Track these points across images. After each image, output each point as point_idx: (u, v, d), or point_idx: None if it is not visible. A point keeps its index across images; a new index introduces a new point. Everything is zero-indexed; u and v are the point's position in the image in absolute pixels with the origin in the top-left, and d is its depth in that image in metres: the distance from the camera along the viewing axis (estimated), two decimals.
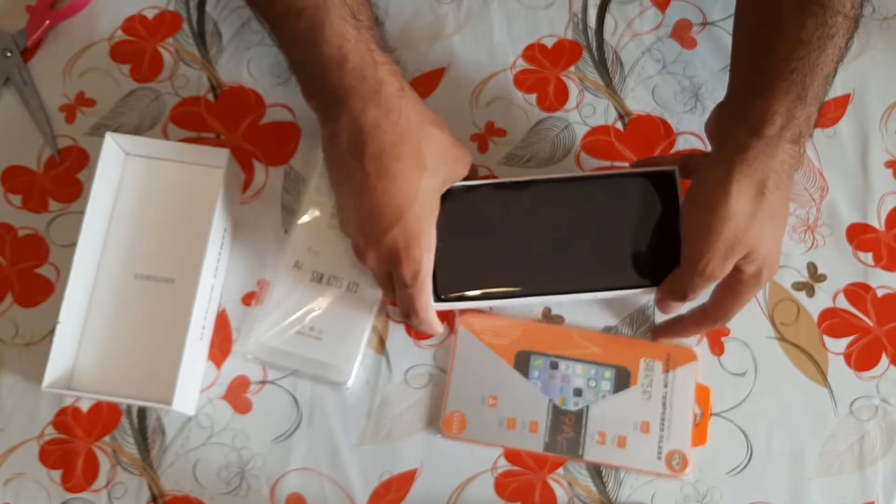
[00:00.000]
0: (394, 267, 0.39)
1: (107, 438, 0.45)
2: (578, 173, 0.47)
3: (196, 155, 0.47)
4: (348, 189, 0.39)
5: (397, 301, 0.42)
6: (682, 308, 0.44)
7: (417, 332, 0.47)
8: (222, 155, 0.45)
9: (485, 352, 0.46)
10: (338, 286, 0.46)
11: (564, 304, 0.47)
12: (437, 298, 0.43)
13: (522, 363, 0.46)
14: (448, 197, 0.43)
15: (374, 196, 0.38)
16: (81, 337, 0.46)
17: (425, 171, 0.39)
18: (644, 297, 0.46)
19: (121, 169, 0.48)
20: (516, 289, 0.43)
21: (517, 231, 0.44)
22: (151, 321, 0.46)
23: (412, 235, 0.39)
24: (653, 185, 0.44)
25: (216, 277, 0.46)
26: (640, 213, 0.44)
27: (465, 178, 0.44)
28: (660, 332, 0.47)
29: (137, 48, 0.52)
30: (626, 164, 0.49)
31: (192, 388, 0.45)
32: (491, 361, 0.46)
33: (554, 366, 0.46)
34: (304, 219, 0.47)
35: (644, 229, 0.44)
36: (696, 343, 0.48)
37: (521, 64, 0.52)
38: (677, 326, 0.46)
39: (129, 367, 0.45)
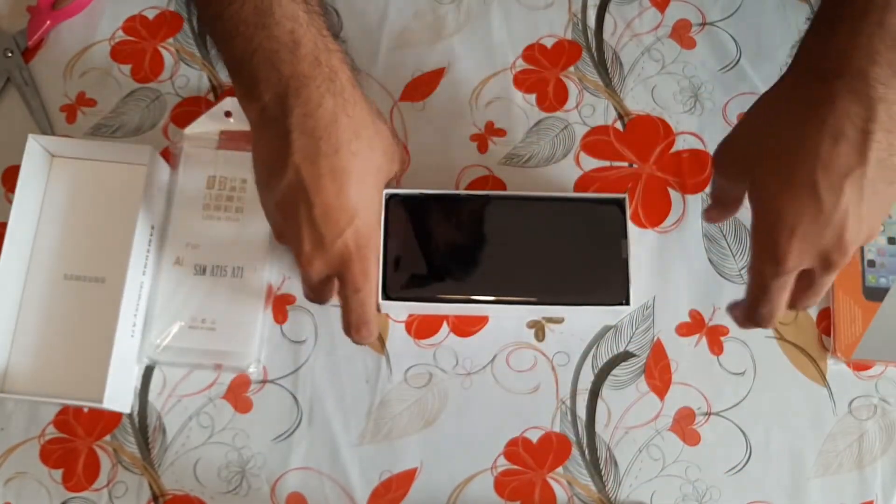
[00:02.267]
0: (344, 271, 0.36)
1: (108, 438, 0.45)
2: (529, 193, 0.46)
3: (120, 153, 0.47)
4: (295, 195, 0.35)
5: (344, 309, 0.38)
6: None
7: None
8: (145, 152, 0.46)
9: None
10: (222, 275, 0.46)
11: (504, 313, 0.46)
12: (385, 297, 0.43)
13: None
14: (403, 202, 0.44)
15: (328, 197, 0.34)
16: (13, 339, 0.45)
17: (379, 171, 0.37)
18: (587, 314, 0.46)
19: (47, 171, 0.48)
20: (459, 294, 0.44)
21: (466, 240, 0.44)
22: (83, 321, 0.46)
23: (365, 237, 0.36)
24: (603, 210, 0.45)
25: (145, 275, 0.46)
26: (587, 233, 0.44)
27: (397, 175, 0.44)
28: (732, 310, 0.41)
29: (138, 48, 0.52)
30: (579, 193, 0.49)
31: (126, 385, 0.45)
32: None
33: None
34: (178, 215, 0.47)
35: (589, 249, 0.44)
36: (695, 345, 0.48)
37: (521, 64, 0.52)
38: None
39: (61, 367, 0.45)
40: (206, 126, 0.48)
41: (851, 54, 0.33)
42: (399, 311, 0.46)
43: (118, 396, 0.44)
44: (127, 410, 0.45)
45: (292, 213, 0.36)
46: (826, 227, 0.33)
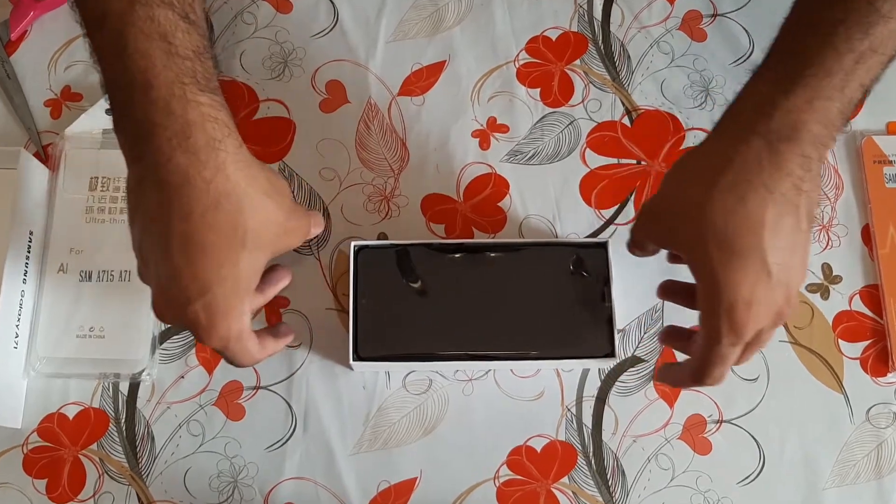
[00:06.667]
0: (198, 336, 0.35)
1: (94, 446, 0.44)
2: (507, 241, 0.46)
3: None
4: (151, 241, 0.33)
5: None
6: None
7: None
8: (15, 154, 0.44)
9: None
10: (109, 280, 0.45)
11: (484, 370, 0.45)
12: (357, 358, 0.42)
13: None
14: (373, 255, 0.43)
15: (177, 262, 0.32)
16: None
17: (244, 248, 0.33)
18: (569, 365, 0.45)
19: None
20: (435, 350, 0.43)
21: (441, 292, 0.43)
22: None
23: (218, 313, 0.34)
24: (586, 255, 0.44)
25: (26, 283, 0.44)
26: (569, 282, 0.43)
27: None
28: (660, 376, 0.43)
29: None
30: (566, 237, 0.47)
31: (13, 400, 0.44)
32: None
33: None
34: (59, 219, 0.45)
35: (572, 298, 0.43)
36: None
37: (525, 57, 0.51)
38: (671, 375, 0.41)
39: None
40: (87, 125, 0.47)
41: (807, 119, 0.32)
42: (372, 368, 0.45)
43: (6, 411, 0.43)
44: (17, 425, 0.44)
45: (144, 262, 0.35)
46: (777, 287, 0.33)
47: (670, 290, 0.42)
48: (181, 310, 0.34)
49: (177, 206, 0.32)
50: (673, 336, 0.42)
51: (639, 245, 0.42)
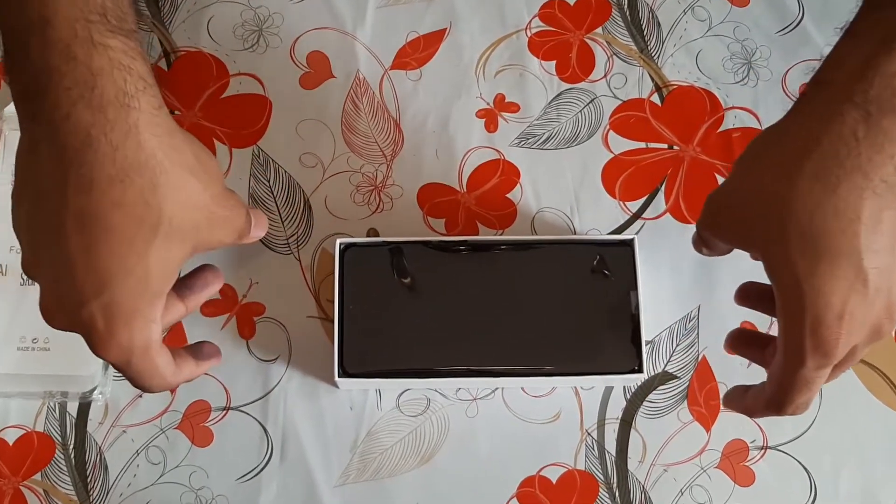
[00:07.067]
0: (92, 347, 0.30)
1: (37, 476, 0.41)
2: (518, 238, 0.44)
3: None
4: (41, 220, 0.29)
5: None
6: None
7: None
8: None
9: None
10: None
11: (491, 388, 0.43)
12: (344, 374, 0.40)
13: None
14: (363, 255, 0.41)
15: (72, 248, 0.28)
16: None
17: (155, 235, 0.29)
18: (590, 382, 0.43)
19: None
20: (434, 365, 0.41)
21: (440, 298, 0.41)
22: None
23: (119, 316, 0.29)
24: (608, 254, 0.41)
25: None
26: (590, 285, 0.41)
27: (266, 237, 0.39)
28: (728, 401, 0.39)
29: None
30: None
31: None
32: None
33: None
34: None
35: (592, 305, 0.41)
36: (749, 364, 0.43)
37: (538, 24, 0.49)
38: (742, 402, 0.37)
39: None
40: None
41: None
42: (361, 386, 0.43)
43: None
44: None
45: (32, 249, 0.30)
46: (875, 297, 0.29)
47: (752, 296, 0.37)
48: (75, 311, 0.29)
49: (74, 175, 0.28)
50: (744, 342, 0.38)
51: (707, 243, 0.37)
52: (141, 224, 0.29)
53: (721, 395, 0.42)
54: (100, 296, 0.29)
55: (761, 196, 0.30)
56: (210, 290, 0.36)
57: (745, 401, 0.35)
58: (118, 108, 0.28)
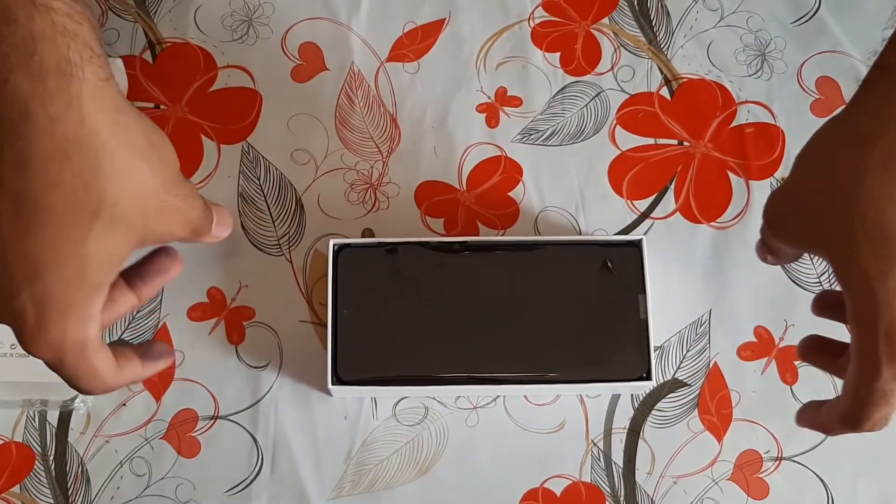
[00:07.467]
0: (21, 343, 0.29)
1: (16, 489, 0.41)
2: (520, 238, 0.44)
3: None
4: None
5: None
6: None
7: None
8: None
9: None
10: None
11: (492, 395, 0.43)
12: (337, 381, 0.40)
13: None
14: (357, 256, 0.41)
15: (5, 232, 0.27)
16: None
17: (96, 220, 0.27)
18: (596, 390, 0.42)
19: None
20: (432, 372, 0.40)
21: (439, 302, 0.41)
22: None
23: (51, 309, 0.27)
24: (615, 256, 0.41)
25: None
26: (593, 289, 0.41)
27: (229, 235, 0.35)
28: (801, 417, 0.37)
29: None
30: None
31: None
32: None
33: None
34: None
35: (598, 309, 0.41)
36: (762, 371, 0.42)
37: (541, 14, 0.48)
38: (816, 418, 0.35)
39: None
40: None
41: None
42: (356, 394, 0.42)
43: None
44: None
45: None
46: None
47: (830, 304, 0.35)
48: (5, 301, 0.27)
49: (10, 149, 0.26)
50: (817, 350, 0.35)
51: (772, 249, 0.36)
52: (80, 208, 0.27)
53: (734, 403, 0.40)
54: (32, 286, 0.27)
55: (825, 192, 0.29)
56: (166, 277, 0.34)
57: (820, 416, 0.33)
58: (59, 77, 0.26)
